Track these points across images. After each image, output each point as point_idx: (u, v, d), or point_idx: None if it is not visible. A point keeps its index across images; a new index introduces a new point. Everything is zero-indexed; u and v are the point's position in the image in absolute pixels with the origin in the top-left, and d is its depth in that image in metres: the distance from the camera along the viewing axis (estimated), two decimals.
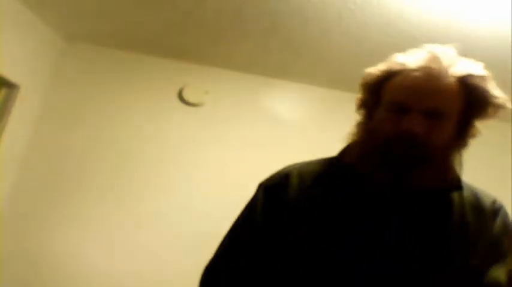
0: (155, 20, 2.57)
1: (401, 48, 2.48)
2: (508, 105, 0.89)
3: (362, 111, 0.97)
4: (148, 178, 2.94)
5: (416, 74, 0.86)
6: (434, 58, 0.87)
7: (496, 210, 0.92)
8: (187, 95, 3.05)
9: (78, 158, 2.95)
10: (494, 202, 0.95)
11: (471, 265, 0.85)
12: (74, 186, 2.90)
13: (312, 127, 3.01)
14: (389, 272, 0.82)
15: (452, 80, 0.86)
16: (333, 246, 0.84)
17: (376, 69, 0.95)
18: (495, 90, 0.89)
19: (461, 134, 0.90)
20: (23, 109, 2.83)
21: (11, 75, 2.67)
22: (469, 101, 0.87)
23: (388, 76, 0.90)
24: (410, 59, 0.89)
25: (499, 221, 0.91)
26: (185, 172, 2.96)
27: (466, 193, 0.94)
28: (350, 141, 0.97)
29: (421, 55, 0.89)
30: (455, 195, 0.92)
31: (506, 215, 0.93)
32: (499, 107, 0.88)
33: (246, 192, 1.07)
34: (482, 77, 0.88)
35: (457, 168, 0.94)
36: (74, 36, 3.04)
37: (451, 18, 2.04)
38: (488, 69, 2.57)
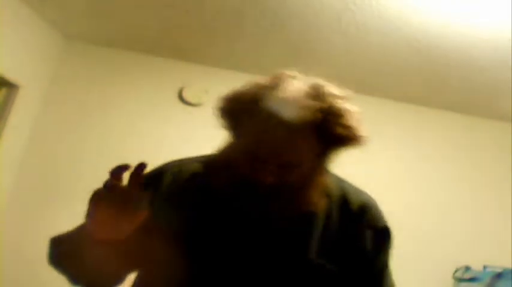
0: (155, 20, 2.57)
1: (402, 48, 2.48)
2: (365, 138, 0.85)
3: (227, 129, 0.93)
4: None
5: (270, 124, 0.80)
6: (290, 102, 0.80)
7: (362, 212, 0.93)
8: (187, 95, 3.05)
9: (78, 158, 2.95)
10: (362, 204, 0.94)
11: (332, 268, 0.87)
12: (74, 186, 2.90)
13: None
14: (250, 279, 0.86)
15: (305, 128, 0.80)
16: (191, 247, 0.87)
17: (233, 95, 0.89)
18: (351, 130, 0.83)
19: (321, 162, 0.89)
20: (23, 109, 2.82)
21: (11, 75, 2.66)
22: (325, 143, 0.84)
23: (244, 111, 0.85)
24: (267, 98, 0.82)
25: (364, 223, 0.92)
26: None
27: (334, 198, 0.93)
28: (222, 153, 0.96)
29: (280, 93, 0.81)
30: (322, 205, 0.91)
31: (372, 217, 0.94)
32: (356, 145, 0.85)
33: None
34: (336, 119, 0.81)
35: (319, 189, 0.90)
36: (74, 36, 3.04)
37: (451, 19, 2.04)
38: (488, 69, 2.58)
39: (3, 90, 2.73)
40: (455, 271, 2.73)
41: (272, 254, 0.88)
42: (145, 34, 2.80)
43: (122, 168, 0.79)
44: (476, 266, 2.71)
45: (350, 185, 0.99)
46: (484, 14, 1.94)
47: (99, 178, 3.10)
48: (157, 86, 3.07)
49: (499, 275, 2.52)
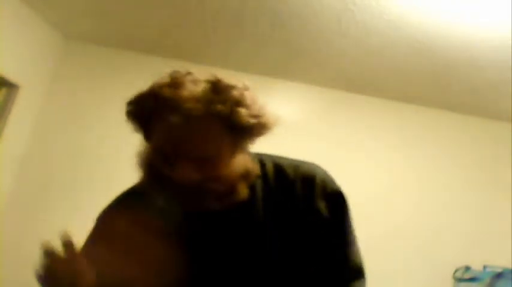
0: (155, 20, 2.57)
1: (402, 48, 2.48)
2: (273, 124, 0.88)
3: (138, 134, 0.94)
4: None
5: (173, 121, 0.81)
6: (187, 98, 0.81)
7: (303, 183, 0.93)
8: None
9: (78, 157, 2.95)
10: (302, 174, 0.94)
11: (288, 247, 0.88)
12: (73, 186, 2.90)
13: (312, 127, 3.01)
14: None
15: (208, 121, 0.82)
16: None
17: (135, 101, 0.90)
18: (257, 119, 0.84)
19: (237, 152, 0.89)
20: (23, 109, 2.82)
21: (11, 75, 2.66)
22: (236, 133, 0.85)
23: (148, 112, 0.86)
24: (167, 96, 0.82)
25: (308, 192, 0.92)
26: None
27: (270, 177, 0.94)
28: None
29: (180, 91, 0.82)
30: (257, 187, 0.92)
31: (317, 185, 0.93)
32: (265, 132, 0.87)
33: None
34: (238, 109, 0.83)
35: (245, 172, 0.91)
36: (74, 36, 3.04)
37: (451, 19, 2.04)
38: (488, 69, 2.57)
39: (3, 90, 2.73)
40: (455, 271, 2.73)
41: (222, 251, 0.89)
42: (145, 34, 2.80)
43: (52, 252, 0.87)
44: (476, 266, 2.71)
45: (288, 160, 0.99)
46: (484, 14, 1.94)
47: (99, 178, 3.12)
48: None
49: (499, 275, 2.52)
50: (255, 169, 0.94)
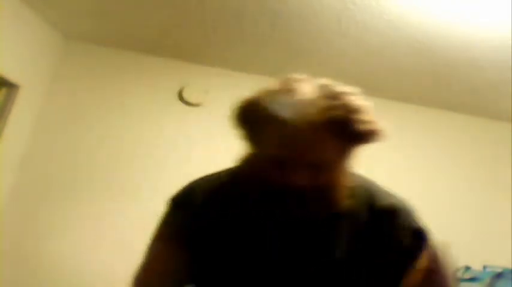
0: (155, 20, 2.57)
1: (401, 48, 2.48)
2: (384, 132, 0.86)
3: (244, 139, 0.95)
4: (148, 177, 2.94)
5: (291, 126, 0.80)
6: (307, 103, 0.81)
7: (390, 214, 0.92)
8: (187, 95, 3.05)
9: (78, 158, 2.95)
10: (391, 206, 0.94)
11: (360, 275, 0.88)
12: (73, 186, 2.90)
13: None
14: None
15: (325, 127, 0.81)
16: (248, 260, 0.90)
17: (247, 103, 0.90)
18: (369, 125, 0.84)
19: (345, 160, 0.89)
20: (23, 109, 2.83)
21: (11, 75, 2.66)
22: (346, 141, 0.85)
23: (261, 119, 0.85)
24: (283, 102, 0.82)
25: (393, 225, 0.92)
26: (185, 172, 2.95)
27: (361, 199, 0.94)
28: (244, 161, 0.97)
29: (295, 96, 0.82)
30: (348, 206, 0.92)
31: (402, 219, 0.92)
32: (375, 140, 0.86)
33: None
34: (354, 116, 0.82)
35: (345, 188, 0.91)
36: (74, 36, 3.04)
37: (451, 19, 2.04)
38: (488, 69, 2.57)
39: (3, 90, 2.73)
40: (455, 271, 2.73)
41: (307, 257, 0.89)
42: (145, 34, 2.80)
43: None
44: (476, 266, 2.71)
45: (378, 186, 0.99)
46: (484, 14, 1.94)
47: (99, 177, 3.12)
48: (157, 86, 3.08)
49: (499, 275, 2.52)
50: (351, 183, 0.93)
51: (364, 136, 0.83)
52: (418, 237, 0.92)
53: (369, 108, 0.85)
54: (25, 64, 2.78)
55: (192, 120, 3.04)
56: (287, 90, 0.83)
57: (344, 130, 0.81)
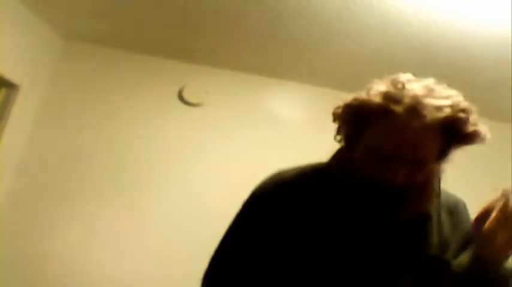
0: (155, 20, 2.57)
1: (402, 48, 2.47)
2: (487, 136, 0.89)
3: (341, 138, 0.97)
4: (148, 177, 2.94)
5: (401, 123, 0.83)
6: (419, 101, 0.83)
7: (460, 209, 1.04)
8: (187, 95, 3.05)
9: (78, 157, 2.95)
10: (458, 202, 1.06)
11: (446, 260, 0.92)
12: (74, 186, 2.90)
13: (312, 127, 3.01)
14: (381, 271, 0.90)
15: (435, 126, 0.83)
16: (342, 252, 0.89)
17: (356, 101, 0.90)
18: (475, 127, 0.87)
19: (441, 161, 0.93)
20: (23, 109, 2.82)
21: (11, 75, 2.66)
22: (450, 141, 0.87)
23: (372, 115, 0.87)
24: (395, 99, 0.84)
25: (465, 218, 1.03)
26: (185, 172, 2.96)
27: (442, 200, 1.00)
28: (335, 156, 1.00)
29: (406, 94, 0.84)
30: (436, 206, 0.98)
31: (467, 210, 1.06)
32: (478, 142, 0.88)
33: (247, 192, 1.07)
34: (463, 116, 0.85)
35: (435, 187, 0.97)
36: (74, 36, 3.04)
37: (451, 19, 2.04)
38: (488, 69, 2.56)
39: (3, 90, 2.73)
40: None
41: (402, 253, 0.91)
42: (145, 34, 2.80)
43: None
44: None
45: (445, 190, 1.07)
46: (484, 14, 1.95)
47: (99, 177, 3.12)
48: (157, 86, 3.08)
49: None
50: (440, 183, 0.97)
51: (469, 137, 0.86)
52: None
53: (474, 111, 0.88)
54: (25, 64, 2.78)
55: (192, 120, 3.04)
56: (399, 89, 0.85)
57: (452, 130, 0.84)
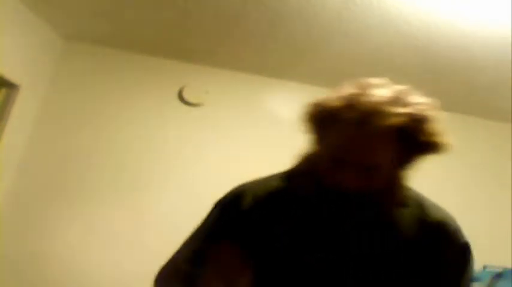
0: (155, 20, 2.57)
1: (402, 48, 2.47)
2: (449, 145, 0.89)
3: (310, 136, 0.96)
4: (148, 177, 2.94)
5: (352, 128, 0.82)
6: (374, 108, 0.82)
7: (440, 227, 0.93)
8: (187, 95, 3.05)
9: (78, 157, 2.95)
10: (441, 219, 0.95)
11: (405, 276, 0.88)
12: (74, 186, 2.90)
13: None
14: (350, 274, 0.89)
15: (387, 133, 0.82)
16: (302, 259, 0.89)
17: (317, 104, 0.91)
18: (433, 137, 0.85)
19: (402, 168, 0.91)
20: (23, 109, 2.82)
21: (11, 75, 2.66)
22: (407, 147, 0.86)
23: (328, 119, 0.87)
24: (351, 104, 0.84)
25: (442, 238, 0.92)
26: (185, 172, 2.96)
27: (413, 210, 0.95)
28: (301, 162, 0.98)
29: (363, 100, 0.83)
30: (400, 213, 0.93)
31: (451, 233, 0.94)
32: (438, 152, 0.88)
33: None
34: (419, 126, 0.83)
35: (397, 194, 0.92)
36: (74, 36, 3.04)
37: (451, 19, 2.04)
38: (488, 69, 2.57)
39: (3, 90, 2.73)
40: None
41: (356, 259, 0.90)
42: (145, 34, 2.80)
43: None
44: (476, 266, 2.71)
45: (428, 199, 1.00)
46: (484, 14, 1.95)
47: (99, 177, 3.12)
48: (157, 86, 3.08)
49: (499, 275, 2.53)
50: (404, 192, 0.94)
51: (425, 147, 0.85)
52: (465, 253, 0.96)
53: (438, 120, 0.87)
54: (25, 64, 2.78)
55: (192, 120, 3.04)
56: (360, 94, 0.85)
57: (407, 138, 0.83)
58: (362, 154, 0.84)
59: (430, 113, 0.85)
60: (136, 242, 2.83)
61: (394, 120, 0.81)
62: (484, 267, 2.67)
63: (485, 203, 2.96)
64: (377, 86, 0.87)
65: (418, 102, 0.85)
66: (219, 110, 3.06)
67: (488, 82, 2.57)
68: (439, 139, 0.86)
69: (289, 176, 0.98)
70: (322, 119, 0.88)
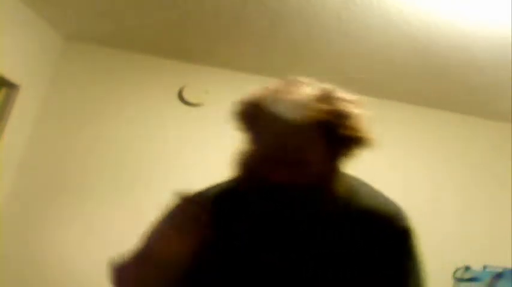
0: (155, 20, 2.57)
1: (402, 48, 2.48)
2: (372, 140, 0.88)
3: (245, 134, 0.97)
4: (148, 177, 2.94)
5: (274, 125, 0.84)
6: (294, 105, 0.84)
7: (369, 216, 0.92)
8: (187, 95, 3.05)
9: (78, 157, 2.95)
10: (370, 208, 0.94)
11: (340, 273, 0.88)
12: (73, 186, 2.90)
13: None
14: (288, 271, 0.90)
15: (308, 128, 0.84)
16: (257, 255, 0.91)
17: (244, 101, 0.93)
18: (355, 132, 0.86)
19: (335, 161, 0.91)
20: (23, 109, 2.82)
21: (11, 75, 2.66)
22: (332, 143, 0.86)
23: (256, 116, 0.89)
24: (272, 101, 0.86)
25: (372, 227, 0.92)
26: (185, 172, 2.96)
27: (348, 201, 0.94)
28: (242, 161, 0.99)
29: (285, 97, 0.85)
30: (336, 206, 0.93)
31: (381, 222, 0.92)
32: (362, 145, 0.87)
33: None
34: (339, 121, 0.85)
35: (331, 188, 0.92)
36: (74, 36, 3.04)
37: (451, 18, 2.04)
38: (488, 69, 2.57)
39: (3, 90, 2.73)
40: (455, 271, 2.73)
41: (291, 252, 0.91)
42: (145, 34, 2.80)
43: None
44: (476, 266, 2.71)
45: (368, 188, 1.00)
46: (484, 14, 1.95)
47: (99, 177, 3.12)
48: (157, 86, 3.07)
49: (499, 275, 2.53)
50: (337, 185, 0.94)
51: (348, 142, 0.86)
52: (400, 239, 0.93)
53: (361, 116, 0.87)
54: (25, 64, 2.78)
55: (192, 120, 3.04)
56: (285, 91, 0.87)
57: (330, 134, 0.84)
58: (288, 149, 0.85)
59: (352, 109, 0.87)
60: (137, 242, 2.83)
61: (315, 116, 0.83)
62: (484, 267, 2.67)
63: (485, 203, 2.96)
64: (302, 84, 0.89)
65: (342, 99, 0.87)
66: (219, 110, 3.05)
67: (488, 82, 2.57)
68: (361, 134, 0.86)
69: (237, 178, 1.00)
70: (250, 117, 0.90)
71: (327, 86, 0.89)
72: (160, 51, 3.02)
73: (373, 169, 3.00)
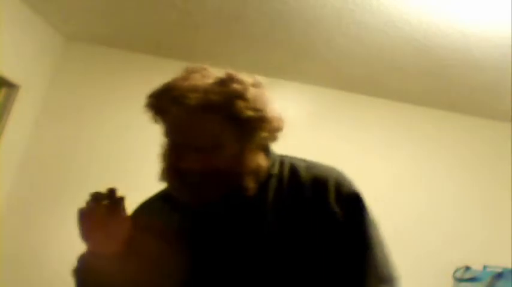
0: (155, 20, 2.57)
1: (402, 48, 2.48)
2: (277, 120, 0.90)
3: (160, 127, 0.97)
4: (148, 177, 2.94)
5: (176, 110, 0.85)
6: (188, 89, 0.85)
7: (315, 185, 0.91)
8: None
9: (78, 158, 2.95)
10: (314, 177, 0.92)
11: (293, 244, 0.86)
12: (74, 186, 2.90)
13: (312, 127, 3.01)
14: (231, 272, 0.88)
15: (205, 110, 0.84)
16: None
17: (152, 92, 0.94)
18: (255, 112, 0.85)
19: (248, 143, 0.89)
20: (23, 109, 2.82)
21: (11, 75, 2.66)
22: (236, 125, 0.85)
23: (159, 106, 0.90)
24: (169, 90, 0.88)
25: (319, 196, 0.90)
26: None
27: (285, 177, 0.93)
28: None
29: (182, 84, 0.86)
30: (270, 186, 0.92)
31: (329, 189, 0.90)
32: (263, 125, 0.87)
33: None
34: (236, 102, 0.84)
35: (255, 167, 0.90)
36: (74, 36, 3.04)
37: (451, 19, 2.04)
38: (488, 69, 2.57)
39: (3, 90, 2.73)
40: (455, 271, 2.73)
41: (225, 249, 0.89)
42: (145, 34, 2.80)
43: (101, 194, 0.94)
44: (476, 266, 2.71)
45: (306, 162, 0.98)
46: (484, 14, 1.95)
47: (99, 178, 3.12)
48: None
49: (499, 275, 2.52)
50: (269, 167, 0.93)
51: (248, 122, 0.85)
52: (351, 202, 0.90)
53: (259, 97, 0.87)
54: (25, 64, 2.78)
55: None
56: (183, 77, 0.88)
57: (227, 115, 0.84)
58: (189, 134, 0.86)
59: (253, 90, 0.86)
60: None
61: (212, 99, 0.83)
62: (484, 267, 2.67)
63: (485, 203, 2.96)
64: (204, 69, 0.91)
65: (237, 80, 0.86)
66: None
67: (488, 82, 2.57)
68: (261, 114, 0.86)
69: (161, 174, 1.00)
70: (156, 108, 0.91)
71: (229, 71, 0.89)
72: (160, 51, 3.02)
73: (373, 169, 3.01)
